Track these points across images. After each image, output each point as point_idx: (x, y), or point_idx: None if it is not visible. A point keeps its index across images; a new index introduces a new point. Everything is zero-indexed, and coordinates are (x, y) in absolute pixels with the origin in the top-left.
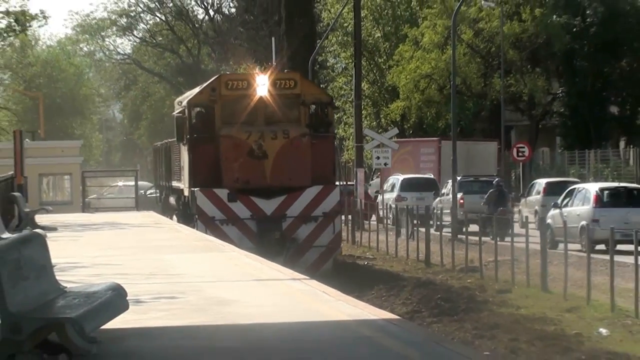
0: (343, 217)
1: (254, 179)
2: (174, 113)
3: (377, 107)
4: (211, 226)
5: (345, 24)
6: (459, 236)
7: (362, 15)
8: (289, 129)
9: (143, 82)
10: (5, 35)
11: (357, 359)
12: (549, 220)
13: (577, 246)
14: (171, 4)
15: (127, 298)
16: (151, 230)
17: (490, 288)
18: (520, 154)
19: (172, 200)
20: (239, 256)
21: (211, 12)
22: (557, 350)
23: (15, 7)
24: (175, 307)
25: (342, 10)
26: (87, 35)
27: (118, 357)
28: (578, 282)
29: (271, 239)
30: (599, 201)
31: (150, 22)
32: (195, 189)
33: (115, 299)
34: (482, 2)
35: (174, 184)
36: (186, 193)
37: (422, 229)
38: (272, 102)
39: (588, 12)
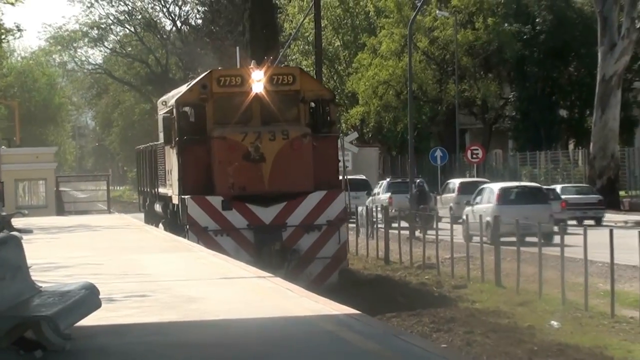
0: None
1: (251, 184)
2: (160, 113)
3: (337, 113)
4: (204, 237)
5: (307, 34)
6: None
7: (322, 25)
8: (288, 129)
9: (114, 90)
10: None
11: (320, 353)
12: (464, 216)
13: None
14: (140, 16)
15: (100, 296)
16: (123, 232)
17: (446, 284)
18: (474, 156)
19: (157, 207)
20: (207, 256)
21: (178, 24)
22: (511, 342)
23: None
24: (146, 304)
25: (303, 20)
26: (59, 47)
27: (91, 353)
28: (530, 277)
29: (270, 251)
30: (501, 199)
31: (120, 33)
32: (186, 197)
33: (89, 298)
34: (437, 11)
35: (161, 190)
36: (175, 200)
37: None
38: (269, 99)
39: (537, 20)
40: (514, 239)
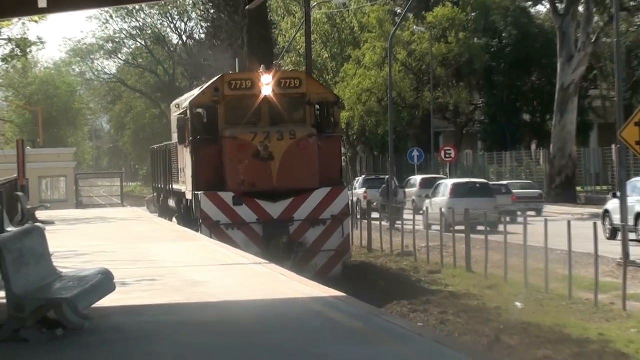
0: None
1: (260, 181)
2: (173, 115)
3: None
4: (216, 231)
5: (298, 47)
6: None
7: (312, 39)
8: (295, 130)
9: (126, 97)
10: (9, 59)
11: (310, 331)
12: (424, 208)
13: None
14: (150, 31)
15: (114, 281)
16: (134, 223)
17: (422, 269)
18: (447, 155)
19: (171, 203)
20: (209, 244)
21: (184, 38)
22: (480, 321)
23: (17, 35)
24: (155, 288)
25: (295, 35)
26: (78, 58)
27: (107, 331)
28: (497, 263)
29: (278, 243)
30: (454, 193)
31: (132, 46)
32: (199, 193)
33: (104, 282)
34: (414, 27)
35: (175, 186)
36: (188, 196)
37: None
38: (277, 101)
39: (503, 35)
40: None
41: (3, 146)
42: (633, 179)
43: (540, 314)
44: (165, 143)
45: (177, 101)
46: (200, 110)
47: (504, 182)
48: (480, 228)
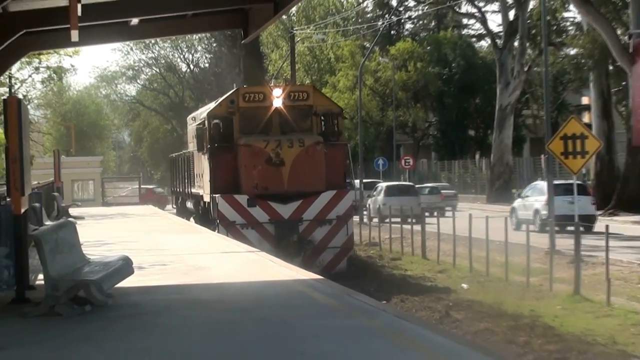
0: None
1: (272, 185)
2: (190, 126)
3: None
4: (232, 230)
5: (285, 74)
6: None
7: (296, 68)
8: (304, 138)
9: (144, 115)
10: (47, 83)
11: (294, 307)
12: (367, 205)
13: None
14: (163, 61)
15: (133, 266)
16: (149, 219)
17: (386, 257)
18: (406, 163)
19: (189, 204)
20: (211, 236)
21: (191, 66)
22: (433, 299)
23: (54, 63)
24: (166, 272)
25: (282, 64)
26: (104, 83)
27: (126, 307)
28: (447, 252)
29: (289, 242)
30: (387, 193)
31: (149, 73)
32: (217, 195)
33: (125, 267)
34: (380, 58)
35: (193, 190)
36: (206, 199)
37: None
38: (287, 112)
39: (453, 65)
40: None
41: (42, 155)
42: (534, 183)
43: (482, 294)
44: (184, 151)
45: (193, 114)
46: (217, 120)
47: (430, 185)
48: (433, 218)
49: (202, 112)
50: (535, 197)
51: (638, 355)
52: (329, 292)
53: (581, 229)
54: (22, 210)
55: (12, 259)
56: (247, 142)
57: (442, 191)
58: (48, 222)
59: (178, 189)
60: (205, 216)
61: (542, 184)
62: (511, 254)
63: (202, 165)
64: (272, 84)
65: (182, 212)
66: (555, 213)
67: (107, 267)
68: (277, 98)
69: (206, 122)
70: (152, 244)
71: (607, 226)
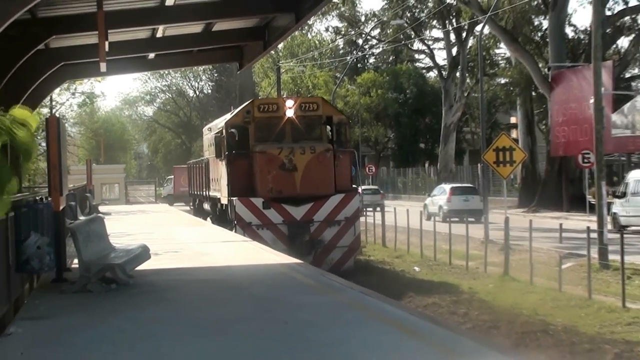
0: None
1: (286, 189)
2: (205, 137)
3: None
4: (248, 230)
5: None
6: None
7: (281, 94)
8: (315, 145)
9: (159, 131)
10: (82, 105)
11: (280, 285)
12: None
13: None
14: (174, 88)
15: (150, 252)
16: (163, 215)
17: None
18: (370, 170)
19: (206, 206)
20: (213, 228)
21: (197, 92)
22: (389, 279)
23: (87, 90)
24: (177, 257)
25: (270, 91)
26: (127, 105)
27: (144, 285)
28: (402, 241)
29: (301, 241)
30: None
31: (163, 98)
32: (234, 198)
33: (143, 253)
34: (349, 86)
35: (210, 193)
36: (223, 201)
37: None
38: (298, 122)
39: (407, 91)
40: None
41: (77, 163)
42: (440, 185)
43: (431, 275)
44: (200, 158)
45: (209, 125)
46: (233, 129)
47: (373, 187)
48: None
49: (218, 122)
50: (439, 196)
51: (554, 323)
52: (307, 273)
53: (472, 219)
54: (61, 208)
55: (53, 246)
56: (263, 149)
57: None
58: (81, 217)
59: (195, 192)
60: (222, 217)
61: (446, 186)
62: (454, 243)
63: (220, 171)
64: (284, 96)
65: (199, 213)
66: (453, 208)
67: (129, 253)
68: (290, 109)
69: (224, 130)
70: (165, 234)
71: (530, 221)
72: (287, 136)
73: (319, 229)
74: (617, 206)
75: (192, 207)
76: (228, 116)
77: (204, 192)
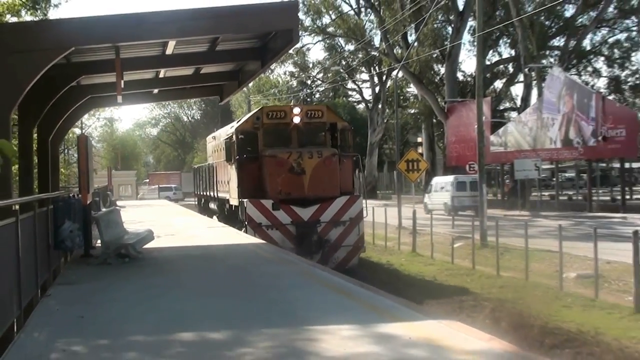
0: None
1: (294, 191)
2: (210, 144)
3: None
4: (258, 230)
5: None
6: None
7: None
8: (322, 150)
9: (162, 147)
10: (104, 127)
11: (249, 258)
12: None
13: None
14: (173, 114)
15: (154, 235)
16: (165, 208)
17: None
18: None
19: (212, 205)
20: (202, 217)
21: (189, 118)
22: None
23: (107, 115)
24: (173, 239)
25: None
26: (138, 127)
27: (149, 259)
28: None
29: (309, 241)
30: None
31: (164, 122)
32: (245, 200)
33: (149, 235)
34: None
35: (218, 194)
36: (232, 202)
37: None
38: (304, 128)
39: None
40: None
41: (100, 169)
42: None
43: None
44: (205, 163)
45: (213, 134)
46: (243, 135)
47: None
48: None
49: (223, 131)
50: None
51: (448, 286)
52: (270, 250)
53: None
54: (88, 202)
55: (82, 230)
56: (272, 154)
57: None
58: (103, 209)
59: (200, 192)
60: (231, 217)
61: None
62: (376, 228)
63: (229, 173)
64: (291, 104)
65: (205, 211)
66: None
67: (138, 235)
68: (296, 116)
69: (234, 136)
70: (166, 222)
71: (431, 212)
72: (294, 141)
73: (326, 229)
74: (426, 198)
75: (197, 206)
76: (235, 124)
77: (211, 193)
